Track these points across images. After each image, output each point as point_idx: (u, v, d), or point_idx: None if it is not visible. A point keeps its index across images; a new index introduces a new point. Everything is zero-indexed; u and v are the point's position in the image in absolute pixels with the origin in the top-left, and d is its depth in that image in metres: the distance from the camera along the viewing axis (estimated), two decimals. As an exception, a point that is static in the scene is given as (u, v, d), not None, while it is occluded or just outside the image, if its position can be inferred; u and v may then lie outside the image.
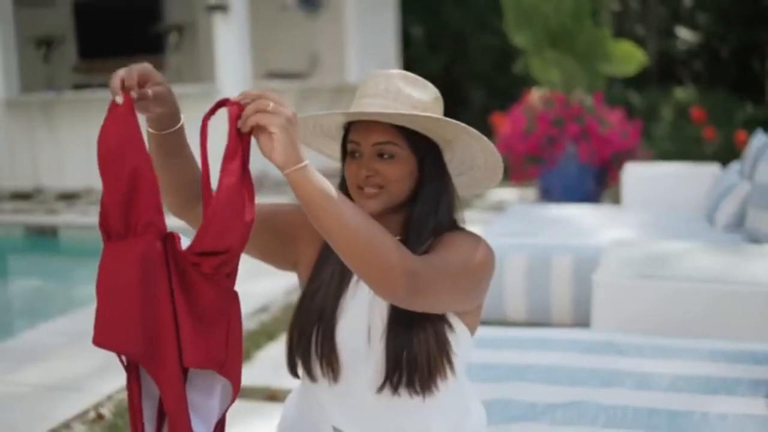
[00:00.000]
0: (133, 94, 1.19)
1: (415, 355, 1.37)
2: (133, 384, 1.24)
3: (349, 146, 1.43)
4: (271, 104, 1.18)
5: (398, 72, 1.43)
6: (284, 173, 1.19)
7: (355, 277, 1.45)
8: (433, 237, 1.42)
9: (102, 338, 1.19)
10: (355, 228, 1.22)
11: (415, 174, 1.42)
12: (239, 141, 1.21)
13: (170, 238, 1.23)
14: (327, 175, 1.25)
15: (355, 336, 1.42)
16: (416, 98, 1.41)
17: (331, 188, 1.23)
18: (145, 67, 1.22)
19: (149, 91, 1.22)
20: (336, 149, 1.53)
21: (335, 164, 1.54)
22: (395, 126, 1.38)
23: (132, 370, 1.24)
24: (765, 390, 2.02)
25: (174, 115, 1.30)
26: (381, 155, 1.39)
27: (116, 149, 1.20)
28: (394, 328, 1.39)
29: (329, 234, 1.23)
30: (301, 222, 1.50)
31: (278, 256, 1.52)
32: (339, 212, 1.22)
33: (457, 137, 1.42)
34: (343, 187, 1.48)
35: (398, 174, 1.39)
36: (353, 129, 1.42)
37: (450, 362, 1.41)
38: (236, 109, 1.21)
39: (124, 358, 1.22)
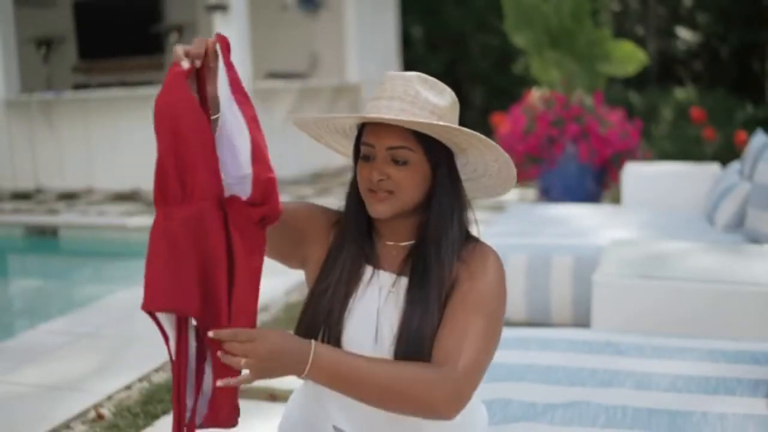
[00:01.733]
0: (198, 63, 1.26)
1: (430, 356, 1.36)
2: (181, 352, 1.29)
3: (363, 149, 1.41)
4: (242, 361, 1.24)
5: (416, 74, 1.41)
6: (301, 378, 1.30)
7: (364, 280, 1.45)
8: (452, 263, 1.40)
9: (153, 301, 1.24)
10: (383, 388, 1.29)
11: (428, 179, 1.40)
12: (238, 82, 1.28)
13: (232, 202, 1.28)
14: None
15: (362, 338, 1.41)
16: (434, 103, 1.39)
17: (343, 360, 1.29)
18: (209, 42, 1.28)
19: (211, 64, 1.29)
20: (346, 145, 1.52)
21: (332, 165, 1.54)
22: (411, 130, 1.36)
23: (182, 338, 1.29)
24: (765, 390, 2.02)
25: (215, 103, 1.31)
26: (395, 160, 1.37)
27: (171, 110, 1.24)
28: (405, 338, 1.37)
29: (361, 399, 1.30)
30: (308, 221, 1.50)
31: (287, 255, 1.52)
32: (361, 380, 1.28)
33: (472, 146, 1.41)
34: (353, 188, 1.47)
35: (411, 180, 1.38)
36: (367, 131, 1.40)
37: None
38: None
39: (170, 324, 1.27)
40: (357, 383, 1.28)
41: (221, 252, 1.25)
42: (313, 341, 1.29)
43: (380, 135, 1.37)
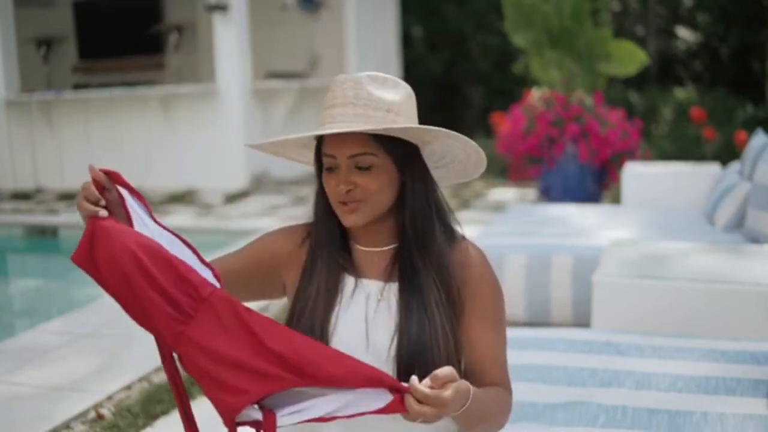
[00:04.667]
0: (103, 204, 1.31)
1: (435, 362, 1.32)
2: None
3: (325, 160, 1.37)
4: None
5: (367, 75, 1.37)
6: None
7: (347, 291, 1.41)
8: (447, 265, 1.39)
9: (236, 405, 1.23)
10: (493, 414, 1.36)
11: (396, 179, 1.37)
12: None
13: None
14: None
15: (352, 351, 1.33)
16: (389, 100, 1.35)
17: (476, 393, 1.28)
18: (96, 178, 1.34)
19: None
20: (310, 156, 1.48)
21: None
22: (370, 134, 1.33)
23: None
24: (765, 390, 2.02)
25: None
26: (359, 167, 1.34)
27: (116, 261, 1.24)
28: (405, 345, 1.34)
29: (477, 427, 1.34)
30: (271, 252, 1.48)
31: (266, 294, 1.52)
32: (489, 410, 1.34)
33: (435, 138, 1.38)
34: (321, 200, 1.43)
35: (378, 184, 1.35)
36: (327, 142, 1.37)
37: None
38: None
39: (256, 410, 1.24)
40: (486, 414, 1.33)
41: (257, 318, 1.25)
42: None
43: (340, 145, 1.34)
